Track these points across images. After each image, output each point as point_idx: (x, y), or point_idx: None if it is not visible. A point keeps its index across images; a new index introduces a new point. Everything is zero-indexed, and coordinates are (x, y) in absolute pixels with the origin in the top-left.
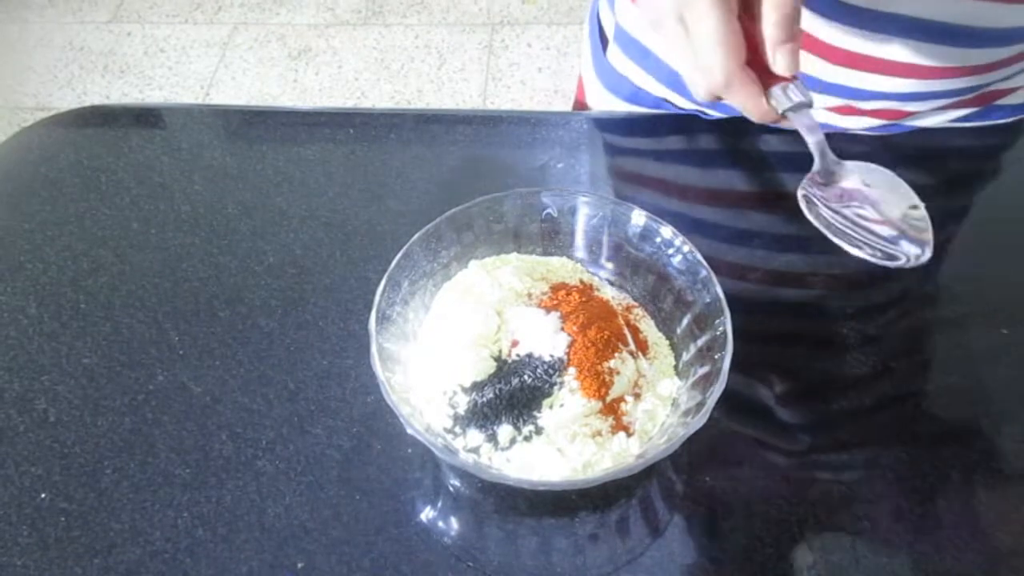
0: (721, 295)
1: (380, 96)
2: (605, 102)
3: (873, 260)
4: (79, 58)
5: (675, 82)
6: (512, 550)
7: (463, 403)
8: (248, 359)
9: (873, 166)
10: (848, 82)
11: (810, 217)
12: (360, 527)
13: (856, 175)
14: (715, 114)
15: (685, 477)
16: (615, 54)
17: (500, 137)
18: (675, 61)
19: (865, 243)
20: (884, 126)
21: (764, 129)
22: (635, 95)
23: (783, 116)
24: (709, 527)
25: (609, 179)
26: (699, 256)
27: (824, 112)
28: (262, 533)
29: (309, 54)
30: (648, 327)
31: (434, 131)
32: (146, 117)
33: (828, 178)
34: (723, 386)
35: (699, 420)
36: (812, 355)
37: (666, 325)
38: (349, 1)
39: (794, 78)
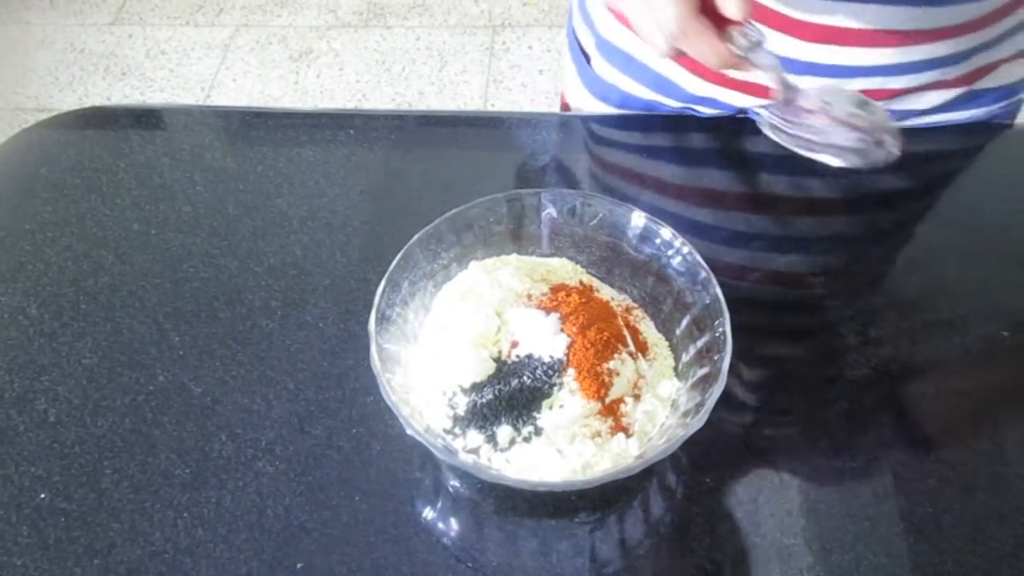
0: (720, 296)
1: (381, 98)
2: (596, 110)
3: (849, 165)
4: (80, 60)
5: (661, 85)
6: (511, 551)
7: (463, 404)
8: (248, 360)
9: (835, 87)
10: (828, 59)
11: (775, 138)
12: (360, 528)
13: (816, 97)
14: (705, 110)
15: (684, 478)
16: (600, 65)
17: (500, 138)
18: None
19: (837, 150)
20: None
21: None
22: (625, 101)
23: (743, 59)
24: (708, 528)
25: (609, 180)
26: (698, 257)
27: None
28: (262, 534)
29: (310, 56)
30: (647, 328)
31: (433, 132)
32: (147, 118)
33: (790, 102)
34: (722, 387)
35: (698, 421)
36: (812, 356)
37: (665, 326)
38: (350, 3)
39: (747, 23)
